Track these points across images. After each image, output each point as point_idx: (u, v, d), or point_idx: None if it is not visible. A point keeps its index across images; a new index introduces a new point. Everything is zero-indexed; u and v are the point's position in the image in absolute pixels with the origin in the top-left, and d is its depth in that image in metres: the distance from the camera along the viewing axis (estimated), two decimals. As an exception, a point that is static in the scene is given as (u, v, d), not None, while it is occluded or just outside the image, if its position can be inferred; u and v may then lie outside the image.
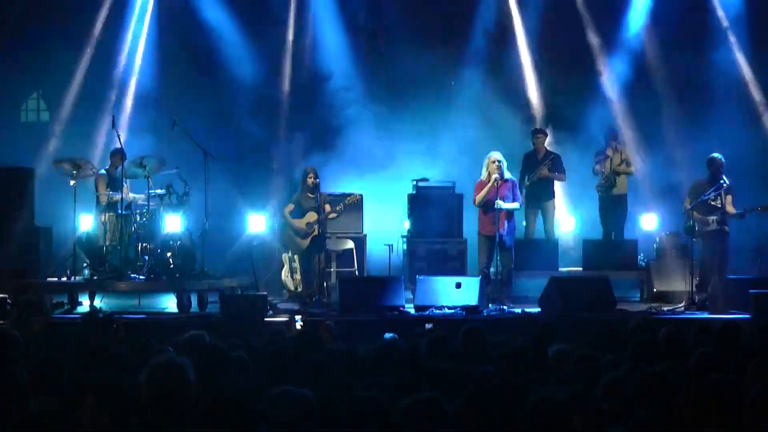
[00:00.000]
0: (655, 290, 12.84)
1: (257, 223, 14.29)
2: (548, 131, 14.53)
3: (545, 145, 14.17)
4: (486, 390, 4.66)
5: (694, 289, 12.02)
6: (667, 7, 15.47)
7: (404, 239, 13.83)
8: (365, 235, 13.91)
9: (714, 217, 11.96)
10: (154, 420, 4.44)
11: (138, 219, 12.24)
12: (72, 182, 12.23)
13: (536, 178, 13.86)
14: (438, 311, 11.51)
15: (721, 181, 11.87)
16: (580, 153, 14.83)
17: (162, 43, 15.85)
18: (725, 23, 15.54)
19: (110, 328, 8.15)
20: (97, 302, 12.03)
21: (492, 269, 12.21)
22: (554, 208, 14.15)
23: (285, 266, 13.20)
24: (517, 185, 12.23)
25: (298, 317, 10.76)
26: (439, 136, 15.45)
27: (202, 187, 12.65)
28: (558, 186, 14.25)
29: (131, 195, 12.50)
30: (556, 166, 13.98)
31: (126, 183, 12.35)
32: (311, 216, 12.89)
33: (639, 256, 13.74)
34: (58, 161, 12.47)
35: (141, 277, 12.01)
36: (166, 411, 4.44)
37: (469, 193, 12.88)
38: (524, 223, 13.95)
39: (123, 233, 12.07)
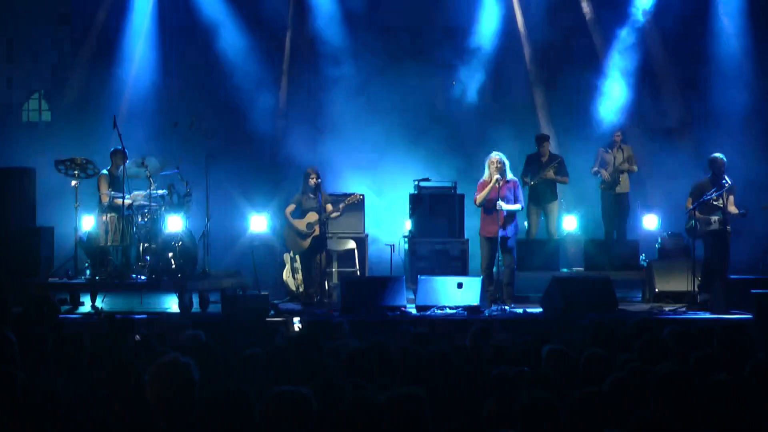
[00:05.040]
0: (656, 290, 12.80)
1: (259, 224, 14.30)
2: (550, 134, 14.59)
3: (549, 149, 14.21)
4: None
5: (696, 289, 12.01)
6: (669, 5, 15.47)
7: (406, 239, 13.81)
8: (366, 236, 13.89)
9: (716, 217, 11.93)
10: (159, 418, 4.44)
11: (140, 219, 12.24)
12: (73, 182, 12.22)
13: (540, 180, 13.86)
14: (440, 311, 11.51)
15: (723, 181, 11.84)
16: (580, 153, 14.81)
17: (163, 42, 15.84)
18: (726, 19, 15.53)
19: (128, 330, 8.19)
20: (99, 303, 12.02)
21: (494, 269, 12.15)
22: (557, 209, 14.19)
23: (287, 266, 13.18)
24: (519, 186, 12.15)
25: (296, 319, 10.74)
26: (440, 135, 15.44)
27: (204, 187, 12.65)
28: (559, 186, 14.23)
29: (133, 193, 12.47)
30: (560, 168, 14.00)
31: (128, 193, 12.33)
32: (312, 216, 12.88)
33: (641, 256, 13.72)
34: (60, 161, 12.46)
35: (142, 277, 12.01)
36: (170, 409, 4.43)
37: (470, 194, 12.85)
38: (526, 224, 13.95)
39: (125, 233, 12.06)
